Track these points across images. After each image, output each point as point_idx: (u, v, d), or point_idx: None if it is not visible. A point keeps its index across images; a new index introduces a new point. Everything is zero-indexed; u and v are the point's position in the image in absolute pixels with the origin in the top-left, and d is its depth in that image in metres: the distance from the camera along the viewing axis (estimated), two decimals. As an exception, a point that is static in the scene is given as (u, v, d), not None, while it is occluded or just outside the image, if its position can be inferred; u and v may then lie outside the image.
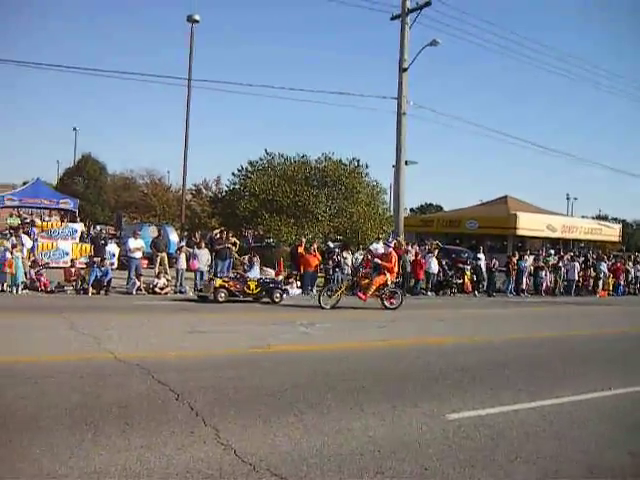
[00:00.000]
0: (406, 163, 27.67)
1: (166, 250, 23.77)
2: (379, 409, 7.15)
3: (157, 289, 20.40)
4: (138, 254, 21.23)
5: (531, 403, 7.77)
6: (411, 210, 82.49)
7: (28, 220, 27.56)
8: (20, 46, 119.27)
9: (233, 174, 39.07)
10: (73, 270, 20.45)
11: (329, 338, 12.95)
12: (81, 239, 27.43)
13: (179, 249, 22.67)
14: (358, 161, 38.54)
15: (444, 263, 27.12)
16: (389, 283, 18.90)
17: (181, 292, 20.84)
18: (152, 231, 28.87)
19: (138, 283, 20.32)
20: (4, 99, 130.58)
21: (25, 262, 19.72)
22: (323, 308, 17.68)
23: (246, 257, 25.03)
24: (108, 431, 5.95)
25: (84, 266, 21.44)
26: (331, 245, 29.78)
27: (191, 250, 22.57)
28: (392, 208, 34.88)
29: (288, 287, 22.37)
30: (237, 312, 16.86)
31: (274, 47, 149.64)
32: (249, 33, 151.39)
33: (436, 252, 26.90)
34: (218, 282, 18.90)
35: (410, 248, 26.25)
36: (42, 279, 19.60)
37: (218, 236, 23.91)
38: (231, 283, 19.12)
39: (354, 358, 10.63)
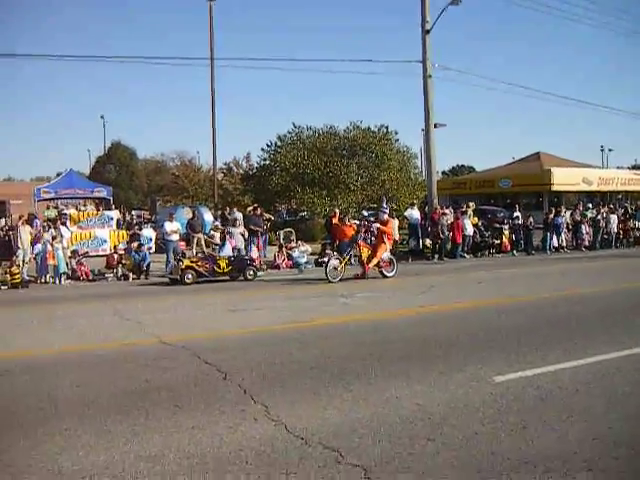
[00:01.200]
0: (435, 126, 27.37)
1: (202, 230, 23.88)
2: (425, 376, 7.15)
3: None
4: (175, 237, 21.39)
5: (578, 361, 7.66)
6: (443, 173, 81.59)
7: (65, 211, 27.90)
8: (40, 36, 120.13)
9: (263, 150, 39.13)
10: (116, 257, 20.72)
11: (370, 307, 12.97)
12: (117, 226, 27.74)
13: (214, 228, 22.76)
14: (387, 128, 38.34)
15: (480, 224, 26.86)
16: (388, 251, 18.47)
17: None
18: (187, 213, 29.05)
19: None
20: (30, 93, 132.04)
21: (65, 252, 20.01)
22: (331, 282, 16.79)
23: (216, 234, 23.96)
24: (159, 414, 6.04)
25: (123, 252, 21.68)
26: (365, 214, 29.74)
27: (226, 229, 22.68)
28: (424, 172, 34.67)
29: (325, 258, 22.35)
30: (276, 288, 16.92)
31: (295, 18, 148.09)
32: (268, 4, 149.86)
33: (470, 213, 26.65)
34: (185, 262, 18.31)
35: (447, 211, 25.98)
36: (83, 268, 19.88)
37: (252, 212, 23.99)
38: (200, 263, 18.46)
39: (396, 326, 10.64)
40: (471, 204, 28.34)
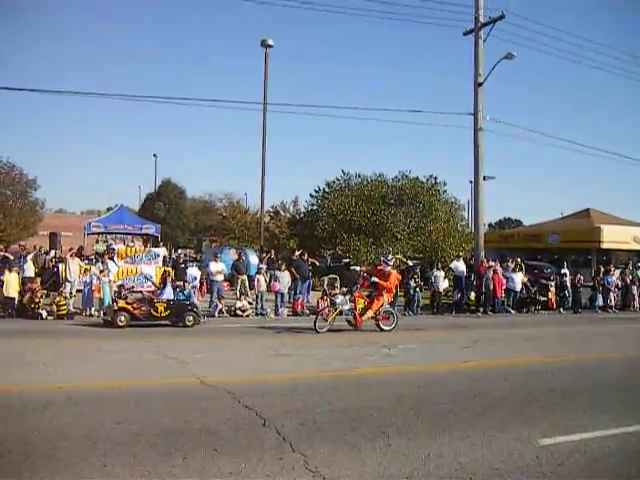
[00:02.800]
0: (484, 179, 27.26)
1: (246, 272, 24.00)
2: (468, 434, 6.99)
3: (239, 311, 20.65)
4: (220, 277, 21.56)
5: (629, 428, 7.43)
6: (489, 225, 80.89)
7: (113, 246, 28.28)
8: (106, 74, 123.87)
9: (311, 195, 39.43)
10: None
11: (413, 360, 12.82)
12: (164, 263, 28.01)
13: (259, 271, 22.82)
14: (435, 178, 38.35)
15: (527, 279, 26.49)
16: (386, 304, 17.94)
17: (262, 314, 20.99)
18: (232, 254, 29.28)
19: (220, 305, 20.62)
20: (88, 129, 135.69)
21: (112, 287, 20.26)
22: (318, 332, 16.42)
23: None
24: (198, 457, 6.01)
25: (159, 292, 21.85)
26: (410, 263, 29.56)
27: (272, 272, 22.75)
28: (471, 224, 34.45)
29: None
30: (319, 335, 16.80)
31: (346, 66, 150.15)
32: (321, 51, 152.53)
33: (517, 267, 26.31)
34: (120, 304, 17.39)
35: (494, 264, 25.66)
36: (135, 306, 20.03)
37: (299, 257, 24.06)
38: (135, 305, 17.49)
39: (439, 380, 10.46)
40: (518, 259, 27.97)
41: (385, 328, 17.36)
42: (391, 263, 19.16)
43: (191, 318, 17.69)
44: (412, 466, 5.92)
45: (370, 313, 17.29)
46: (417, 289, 23.77)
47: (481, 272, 24.71)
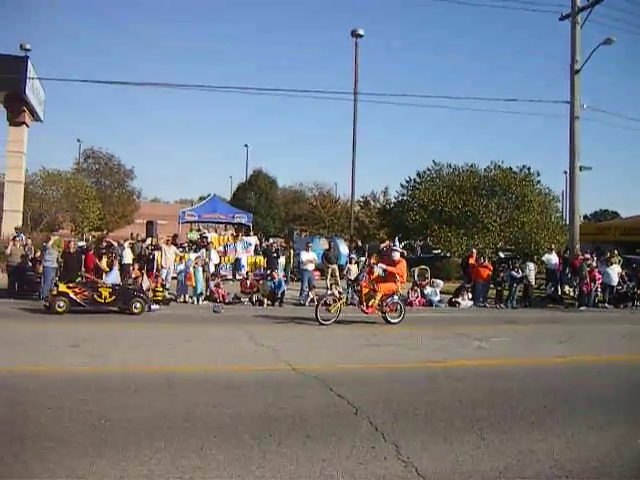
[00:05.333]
0: (580, 169, 26.48)
1: (337, 262, 24.10)
2: (563, 431, 6.84)
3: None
4: (310, 266, 21.70)
5: None
6: (584, 217, 78.49)
7: (206, 234, 28.95)
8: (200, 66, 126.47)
9: (401, 185, 39.35)
10: (248, 282, 21.32)
11: (506, 353, 12.59)
12: (255, 252, 28.47)
13: (350, 261, 22.87)
14: (529, 169, 37.57)
15: (624, 273, 25.57)
16: (397, 293, 16.59)
17: (353, 304, 21.02)
18: (323, 243, 29.50)
19: (311, 295, 20.77)
20: (183, 120, 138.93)
21: (207, 275, 20.77)
22: (322, 324, 15.29)
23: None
24: (291, 442, 6.12)
25: (259, 278, 22.24)
26: (502, 255, 29.10)
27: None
28: (565, 216, 33.55)
29: (459, 299, 22.04)
30: (409, 327, 16.69)
31: (436, 56, 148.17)
32: (410, 42, 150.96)
33: (615, 261, 25.41)
34: (61, 287, 16.22)
35: (589, 257, 24.90)
36: (220, 291, 20.53)
37: (387, 248, 24.00)
38: (77, 290, 16.28)
39: (533, 375, 10.24)
40: (615, 252, 27.02)
41: (392, 321, 16.13)
42: (399, 249, 18.17)
43: (138, 305, 16.58)
44: (506, 461, 5.85)
45: (378, 298, 15.85)
46: (513, 283, 23.26)
47: (576, 265, 24.04)
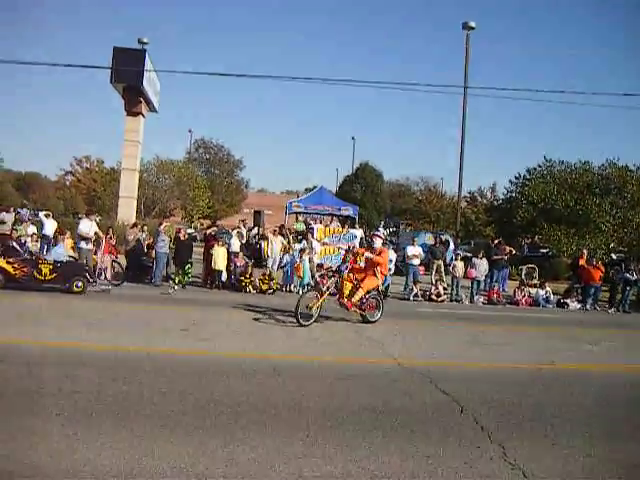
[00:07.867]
0: None
1: (443, 258, 23.86)
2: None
3: (433, 296, 20.59)
4: (415, 261, 21.57)
5: None
6: None
7: (312, 226, 29.23)
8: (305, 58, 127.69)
9: (510, 182, 38.52)
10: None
11: (618, 359, 12.13)
12: (360, 244, 28.52)
13: (456, 257, 22.60)
14: (646, 167, 35.91)
15: None
16: (379, 288, 15.03)
17: (457, 301, 20.81)
18: (429, 238, 29.29)
19: (415, 290, 20.66)
20: (289, 113, 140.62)
21: (313, 266, 20.97)
22: (302, 325, 12.97)
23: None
24: (396, 437, 6.16)
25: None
26: (614, 257, 28.04)
27: (470, 258, 22.47)
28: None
29: (568, 300, 21.38)
30: (516, 326, 16.29)
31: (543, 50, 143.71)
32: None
33: None
34: (0, 262, 15.46)
35: None
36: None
37: (496, 245, 23.59)
38: (16, 265, 15.49)
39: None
40: None
41: (371, 319, 14.31)
42: (382, 236, 16.05)
43: (80, 284, 15.79)
44: (619, 472, 5.66)
45: (360, 294, 13.98)
46: (626, 286, 22.31)
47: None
